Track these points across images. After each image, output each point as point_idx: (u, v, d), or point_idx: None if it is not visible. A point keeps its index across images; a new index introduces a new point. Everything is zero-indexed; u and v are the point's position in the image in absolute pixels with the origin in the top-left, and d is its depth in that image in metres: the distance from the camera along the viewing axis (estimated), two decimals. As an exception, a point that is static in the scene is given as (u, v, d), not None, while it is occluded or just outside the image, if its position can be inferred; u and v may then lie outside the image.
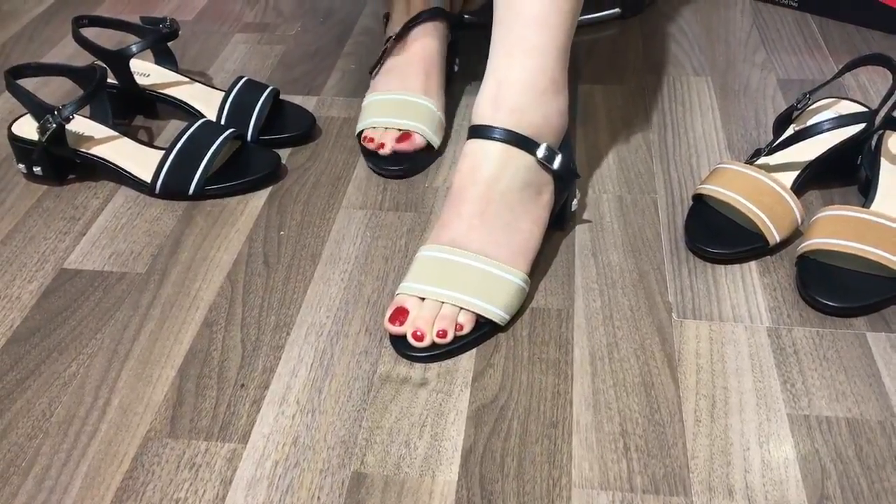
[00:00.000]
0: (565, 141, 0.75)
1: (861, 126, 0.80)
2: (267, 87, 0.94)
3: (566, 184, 0.74)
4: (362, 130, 0.90)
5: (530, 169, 0.71)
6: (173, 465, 0.59)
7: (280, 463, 0.59)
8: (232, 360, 0.67)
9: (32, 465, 0.60)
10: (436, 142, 0.90)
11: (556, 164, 0.71)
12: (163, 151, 0.85)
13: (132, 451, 0.60)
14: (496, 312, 0.68)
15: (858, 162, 0.83)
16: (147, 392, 0.65)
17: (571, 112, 0.75)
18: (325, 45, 1.13)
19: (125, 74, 0.92)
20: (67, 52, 1.13)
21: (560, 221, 0.78)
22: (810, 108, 0.88)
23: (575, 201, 0.78)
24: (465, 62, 1.00)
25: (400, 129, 0.88)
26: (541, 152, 0.70)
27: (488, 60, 0.72)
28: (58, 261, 0.78)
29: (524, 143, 0.70)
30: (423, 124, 0.88)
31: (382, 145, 0.87)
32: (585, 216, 0.81)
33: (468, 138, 0.72)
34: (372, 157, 0.88)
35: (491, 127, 0.70)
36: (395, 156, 0.87)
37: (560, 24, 0.70)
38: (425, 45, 0.92)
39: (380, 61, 0.94)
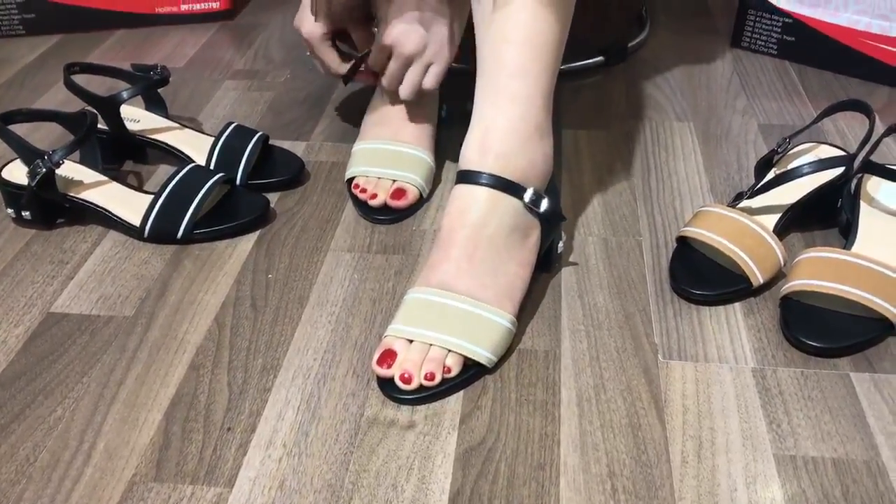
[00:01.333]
0: (551, 185, 0.76)
1: (840, 170, 0.81)
2: (256, 132, 0.95)
3: (552, 226, 0.75)
4: (353, 177, 0.91)
5: (517, 213, 0.72)
6: (158, 509, 0.59)
7: (266, 507, 0.59)
8: (218, 403, 0.67)
9: (15, 510, 0.59)
10: (427, 192, 0.91)
11: (543, 207, 0.72)
12: (152, 196, 0.85)
13: (117, 495, 0.60)
14: (484, 354, 0.68)
15: (839, 205, 0.84)
16: (133, 436, 0.64)
17: (557, 156, 0.76)
18: (313, 92, 1.14)
19: (115, 120, 0.93)
20: (59, 98, 1.14)
21: (546, 263, 0.79)
22: (790, 152, 0.89)
23: (561, 244, 0.79)
24: (451, 106, 1.02)
25: (394, 180, 0.89)
26: (528, 196, 0.71)
27: (474, 108, 0.73)
28: (45, 305, 0.78)
29: (511, 187, 0.71)
30: (417, 175, 0.89)
31: (374, 196, 0.87)
32: (571, 258, 0.82)
33: (456, 183, 0.73)
34: (362, 205, 0.89)
35: (478, 172, 0.71)
36: (386, 207, 0.88)
37: (541, 72, 0.71)
38: (417, 98, 0.92)
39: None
